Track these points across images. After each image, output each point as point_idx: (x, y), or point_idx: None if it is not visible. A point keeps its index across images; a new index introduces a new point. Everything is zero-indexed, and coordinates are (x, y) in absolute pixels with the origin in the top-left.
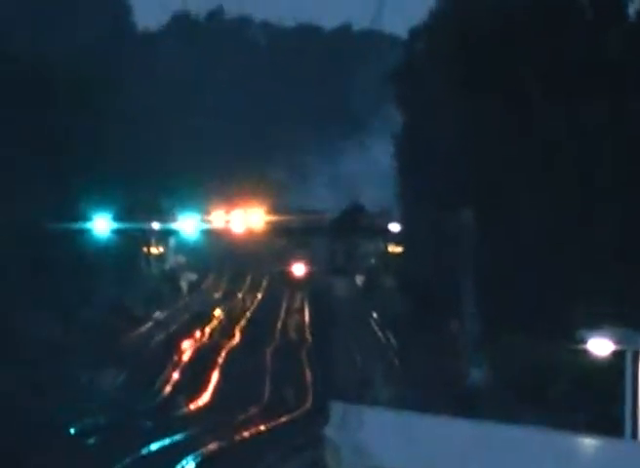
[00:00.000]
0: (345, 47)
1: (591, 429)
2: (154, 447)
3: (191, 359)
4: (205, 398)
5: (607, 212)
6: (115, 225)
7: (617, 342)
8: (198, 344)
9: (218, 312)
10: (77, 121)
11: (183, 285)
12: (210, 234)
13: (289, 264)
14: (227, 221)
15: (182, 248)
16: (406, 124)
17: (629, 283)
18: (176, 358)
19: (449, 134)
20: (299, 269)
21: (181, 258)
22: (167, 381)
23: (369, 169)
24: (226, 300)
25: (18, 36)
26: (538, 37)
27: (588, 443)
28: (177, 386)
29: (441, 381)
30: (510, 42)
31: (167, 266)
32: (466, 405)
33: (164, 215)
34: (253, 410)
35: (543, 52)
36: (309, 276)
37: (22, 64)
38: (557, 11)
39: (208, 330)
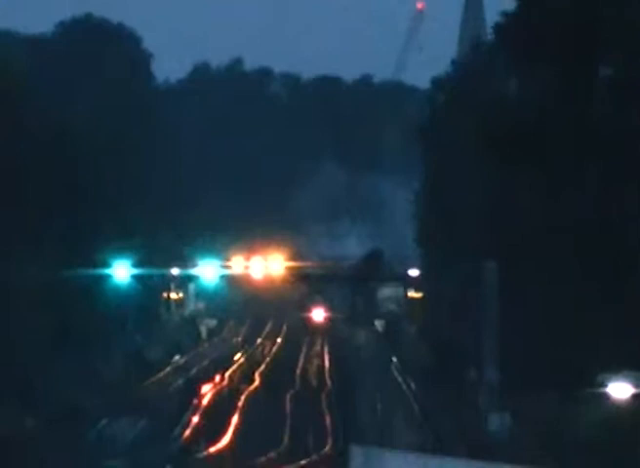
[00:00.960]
0: (366, 98)
1: None
2: None
3: (210, 403)
4: (224, 441)
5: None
6: (134, 271)
7: (636, 385)
8: (217, 388)
9: (237, 357)
10: (99, 173)
11: (203, 330)
12: (229, 280)
13: (308, 310)
14: (247, 267)
15: (202, 293)
16: (429, 174)
17: None
18: (195, 402)
19: (473, 185)
20: (318, 315)
21: (201, 304)
22: (187, 426)
23: (389, 215)
24: (246, 345)
25: (43, 94)
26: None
27: None
28: (196, 430)
29: (460, 429)
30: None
31: (186, 312)
32: (484, 452)
33: (184, 262)
34: (272, 455)
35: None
36: (329, 322)
37: (49, 121)
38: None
39: (227, 374)
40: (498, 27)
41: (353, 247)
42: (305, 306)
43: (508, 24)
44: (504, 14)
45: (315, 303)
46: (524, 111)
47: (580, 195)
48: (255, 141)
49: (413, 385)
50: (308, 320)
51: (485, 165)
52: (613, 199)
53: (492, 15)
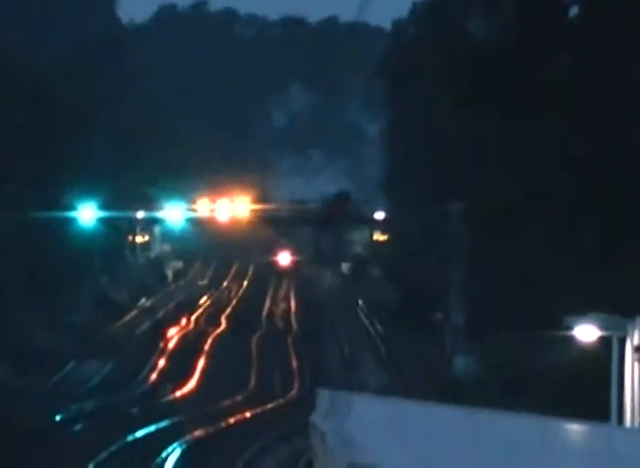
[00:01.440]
0: (331, 39)
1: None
2: (139, 433)
3: (177, 346)
4: (191, 384)
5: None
6: (100, 214)
7: (603, 328)
8: (184, 331)
9: (203, 299)
10: (64, 116)
11: (169, 272)
12: (195, 222)
13: (274, 253)
14: (212, 210)
15: (168, 236)
16: (394, 114)
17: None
18: (161, 345)
19: (437, 127)
20: (284, 258)
21: (167, 247)
22: (152, 369)
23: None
24: (212, 288)
25: (11, 39)
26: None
27: (574, 428)
28: (162, 374)
29: (426, 371)
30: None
31: (152, 254)
32: (450, 394)
33: (150, 204)
34: (238, 398)
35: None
36: (295, 264)
37: (18, 65)
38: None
39: (194, 317)
40: None
41: (321, 186)
42: (272, 249)
43: None
44: None
45: (281, 246)
46: (484, 50)
47: (542, 138)
48: (220, 80)
49: (379, 327)
50: (275, 263)
51: (449, 105)
52: (574, 142)
53: None
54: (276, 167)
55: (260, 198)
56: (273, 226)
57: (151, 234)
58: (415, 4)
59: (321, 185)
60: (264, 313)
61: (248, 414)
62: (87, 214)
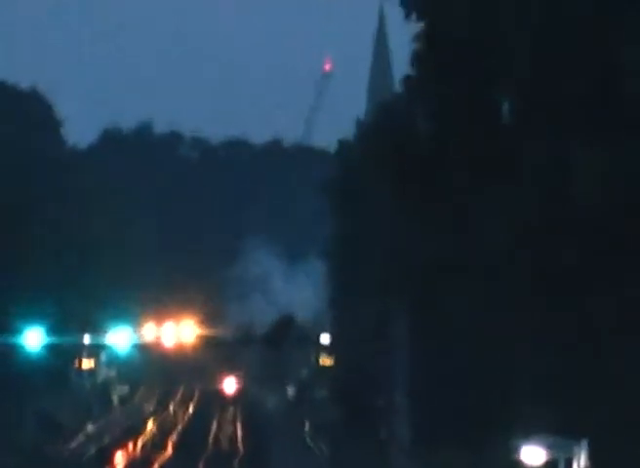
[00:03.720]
0: (276, 161)
1: None
2: None
3: None
4: None
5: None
6: (47, 339)
7: (549, 450)
8: (130, 457)
9: (150, 424)
10: (8, 236)
11: (115, 398)
12: (141, 348)
13: (220, 380)
14: (158, 337)
15: (114, 361)
16: (337, 233)
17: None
18: None
19: (380, 238)
20: (229, 386)
21: (113, 372)
22: None
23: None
24: (158, 413)
25: None
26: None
27: None
28: None
29: None
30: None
31: (99, 379)
32: None
33: (95, 328)
34: None
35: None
36: (241, 391)
37: None
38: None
39: (140, 442)
40: (415, 56)
41: (267, 313)
42: (217, 374)
43: (417, 60)
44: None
45: (227, 371)
46: (428, 147)
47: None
48: (164, 205)
49: (324, 448)
50: (220, 392)
51: (395, 217)
52: (518, 227)
53: (400, 73)
54: (221, 288)
55: (206, 320)
56: (218, 349)
57: (97, 358)
58: (358, 122)
59: (267, 311)
60: (211, 438)
61: None
62: (33, 338)
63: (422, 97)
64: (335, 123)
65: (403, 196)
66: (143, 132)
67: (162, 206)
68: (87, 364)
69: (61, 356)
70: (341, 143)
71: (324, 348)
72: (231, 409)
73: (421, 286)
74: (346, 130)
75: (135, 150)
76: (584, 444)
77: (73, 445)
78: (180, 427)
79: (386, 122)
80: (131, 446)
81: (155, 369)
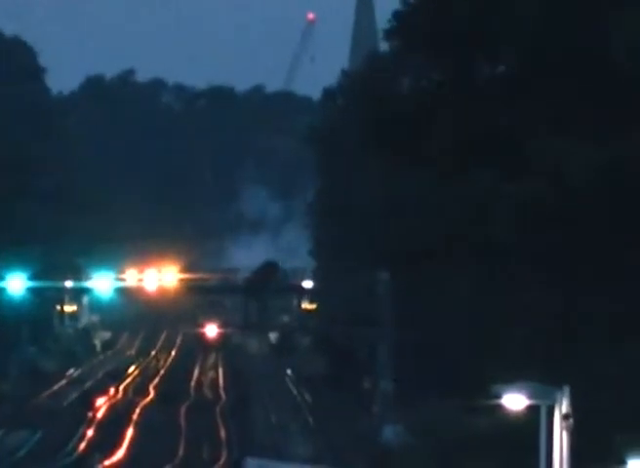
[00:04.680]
0: (258, 108)
1: None
2: None
3: (105, 416)
4: (119, 454)
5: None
6: (29, 284)
7: (531, 397)
8: (112, 402)
9: (132, 369)
10: None
11: (97, 343)
12: (124, 292)
13: (202, 325)
14: (140, 280)
15: (96, 306)
16: (322, 183)
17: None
18: (90, 415)
19: (365, 195)
20: (211, 330)
21: (95, 317)
22: (81, 439)
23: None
24: (140, 358)
25: None
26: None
27: None
28: (91, 444)
29: (355, 438)
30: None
31: (81, 324)
32: (379, 462)
33: (78, 274)
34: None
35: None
36: (222, 336)
37: None
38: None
39: (122, 387)
40: (395, 15)
41: (249, 258)
42: (199, 319)
43: (404, 17)
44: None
45: (209, 317)
46: (412, 104)
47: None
48: (147, 152)
49: (307, 396)
50: (202, 335)
51: (379, 168)
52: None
53: (384, 23)
54: (205, 236)
55: (188, 267)
56: (201, 295)
57: (80, 304)
58: (343, 72)
59: (250, 255)
60: (193, 383)
61: None
62: (16, 283)
63: (407, 54)
64: (318, 73)
65: (387, 156)
66: (126, 79)
67: (144, 154)
68: (69, 308)
69: (44, 302)
70: (326, 92)
71: (307, 294)
72: (213, 354)
73: (406, 252)
74: (330, 79)
75: (117, 98)
76: (566, 390)
77: (55, 389)
78: (162, 372)
79: (372, 74)
80: (113, 390)
81: (138, 315)
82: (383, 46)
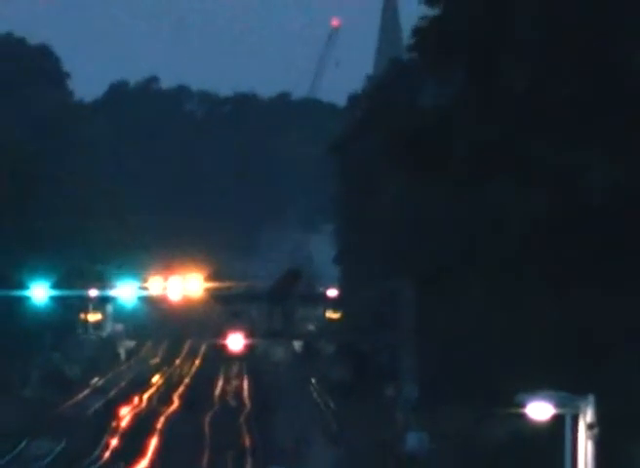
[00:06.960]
0: (283, 115)
1: None
2: None
3: (129, 424)
4: (144, 464)
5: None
6: (53, 293)
7: (556, 406)
8: (136, 410)
9: (156, 378)
10: (14, 191)
11: (122, 351)
12: (148, 301)
13: (225, 335)
14: (165, 288)
15: (120, 315)
16: (346, 193)
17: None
18: (114, 424)
19: (387, 205)
20: (236, 342)
21: (119, 325)
22: (105, 448)
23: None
24: (164, 367)
25: None
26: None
27: None
28: (115, 452)
29: (379, 446)
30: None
31: (105, 333)
32: None
33: (102, 282)
34: None
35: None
36: (248, 347)
37: None
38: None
39: (146, 396)
40: (416, 31)
41: (274, 266)
42: (223, 328)
43: (426, 30)
44: (423, 17)
45: (233, 326)
46: (433, 119)
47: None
48: (171, 160)
49: (331, 404)
50: (225, 348)
51: (401, 180)
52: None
53: (409, 30)
54: (229, 244)
55: (213, 275)
56: (225, 304)
57: (104, 312)
58: (368, 78)
59: (273, 265)
60: (217, 392)
61: None
62: (39, 292)
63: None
64: (343, 79)
65: (412, 167)
66: (150, 86)
67: (166, 161)
68: (93, 317)
69: (68, 311)
70: (351, 99)
71: (331, 303)
72: (237, 362)
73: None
74: (356, 84)
75: (141, 104)
76: (591, 399)
77: (79, 397)
78: (186, 380)
79: (398, 80)
80: (137, 399)
81: (162, 323)
82: (406, 54)
